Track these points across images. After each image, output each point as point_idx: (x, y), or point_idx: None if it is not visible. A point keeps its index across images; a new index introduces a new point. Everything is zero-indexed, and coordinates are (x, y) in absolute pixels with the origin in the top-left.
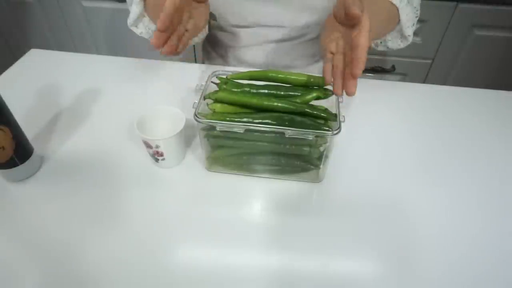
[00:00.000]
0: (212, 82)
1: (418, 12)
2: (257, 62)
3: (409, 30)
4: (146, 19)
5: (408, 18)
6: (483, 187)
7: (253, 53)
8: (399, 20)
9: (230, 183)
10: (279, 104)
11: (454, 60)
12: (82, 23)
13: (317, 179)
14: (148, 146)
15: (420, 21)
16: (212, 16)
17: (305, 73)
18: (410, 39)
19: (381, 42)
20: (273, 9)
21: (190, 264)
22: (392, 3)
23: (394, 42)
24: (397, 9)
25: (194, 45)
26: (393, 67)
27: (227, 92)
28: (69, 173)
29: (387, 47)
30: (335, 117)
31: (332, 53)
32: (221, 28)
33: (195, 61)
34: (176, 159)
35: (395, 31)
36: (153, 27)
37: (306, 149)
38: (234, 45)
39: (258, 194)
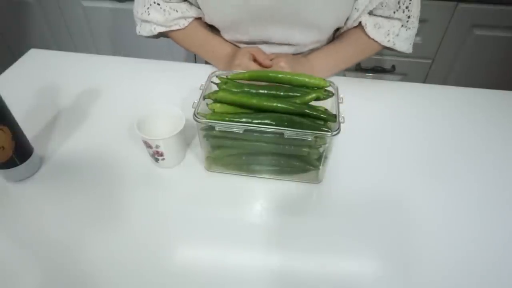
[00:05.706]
0: (212, 82)
1: (416, 25)
2: None
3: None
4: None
5: (406, 44)
6: (483, 186)
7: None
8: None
9: (230, 183)
10: (279, 105)
11: (454, 60)
12: (82, 23)
13: (316, 180)
14: (148, 146)
15: (420, 21)
16: None
17: (305, 74)
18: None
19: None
20: (280, 29)
21: (189, 264)
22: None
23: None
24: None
25: None
26: (393, 67)
27: (227, 92)
28: (69, 173)
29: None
30: (334, 117)
31: None
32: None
33: (195, 61)
34: (176, 159)
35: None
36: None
37: (306, 149)
38: None
39: (257, 195)
